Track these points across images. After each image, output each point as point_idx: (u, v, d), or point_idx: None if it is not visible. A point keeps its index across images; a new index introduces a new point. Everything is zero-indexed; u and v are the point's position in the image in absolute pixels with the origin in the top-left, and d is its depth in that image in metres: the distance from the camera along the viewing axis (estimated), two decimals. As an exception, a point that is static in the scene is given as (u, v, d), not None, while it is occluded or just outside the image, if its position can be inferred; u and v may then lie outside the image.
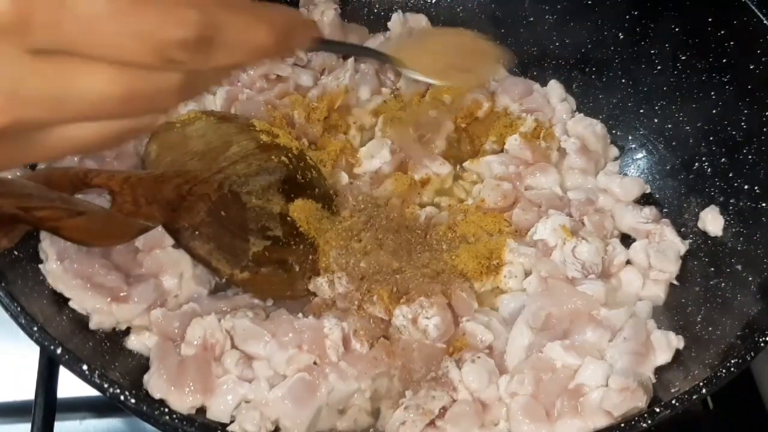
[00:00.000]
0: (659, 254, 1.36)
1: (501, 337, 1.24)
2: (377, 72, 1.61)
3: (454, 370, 1.18)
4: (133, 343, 1.19)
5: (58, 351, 0.96)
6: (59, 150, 0.61)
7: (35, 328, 0.97)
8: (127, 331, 1.20)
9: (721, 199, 1.39)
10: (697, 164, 1.45)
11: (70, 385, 1.24)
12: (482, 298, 1.32)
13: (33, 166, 1.27)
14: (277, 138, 1.40)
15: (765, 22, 1.32)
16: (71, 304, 1.16)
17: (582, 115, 1.59)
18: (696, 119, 1.45)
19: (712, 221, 1.38)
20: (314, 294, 1.28)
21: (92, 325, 1.17)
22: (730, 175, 1.39)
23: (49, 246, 1.17)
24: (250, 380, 1.14)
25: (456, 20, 1.72)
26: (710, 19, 1.39)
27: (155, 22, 0.55)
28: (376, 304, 1.23)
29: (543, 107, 1.59)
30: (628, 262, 1.39)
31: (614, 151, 1.57)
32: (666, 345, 1.24)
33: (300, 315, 1.22)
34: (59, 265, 1.15)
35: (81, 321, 1.17)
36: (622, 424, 1.01)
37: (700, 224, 1.41)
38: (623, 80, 1.57)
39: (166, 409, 0.98)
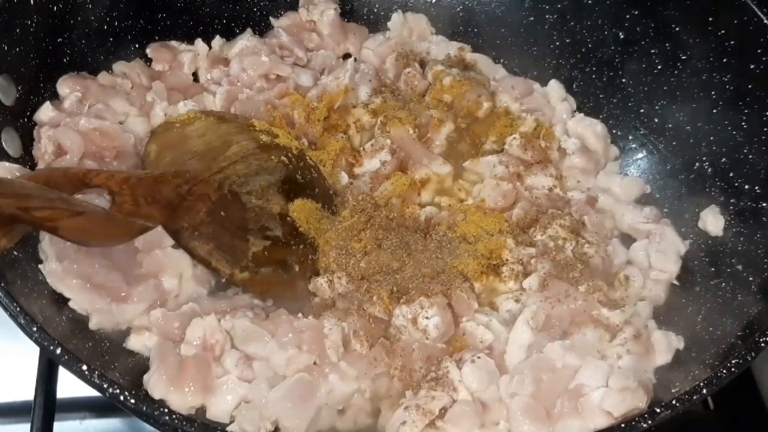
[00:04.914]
0: (659, 254, 1.36)
1: (501, 337, 1.23)
2: (377, 72, 1.61)
3: (454, 370, 1.18)
4: (133, 343, 1.19)
5: (58, 351, 0.96)
6: None
7: (35, 329, 0.97)
8: (127, 332, 1.20)
9: (722, 199, 1.39)
10: (697, 164, 1.45)
11: (69, 385, 1.24)
12: (482, 298, 1.31)
13: (33, 166, 1.27)
14: (277, 138, 1.40)
15: (765, 21, 1.32)
16: (71, 304, 1.16)
17: (582, 115, 1.59)
18: (696, 119, 1.45)
19: (712, 221, 1.38)
20: (314, 294, 1.28)
21: (92, 326, 1.17)
22: (731, 175, 1.39)
23: (49, 246, 1.16)
24: (250, 380, 1.14)
25: (456, 20, 1.72)
26: (710, 19, 1.39)
27: None
28: (376, 304, 1.23)
29: (543, 107, 1.59)
30: (629, 262, 1.39)
31: (614, 151, 1.57)
32: (666, 345, 1.24)
33: (300, 315, 1.22)
34: (59, 265, 1.15)
35: (81, 321, 1.17)
36: (623, 425, 1.01)
37: (700, 224, 1.41)
38: (623, 80, 1.57)
39: (166, 409, 0.97)
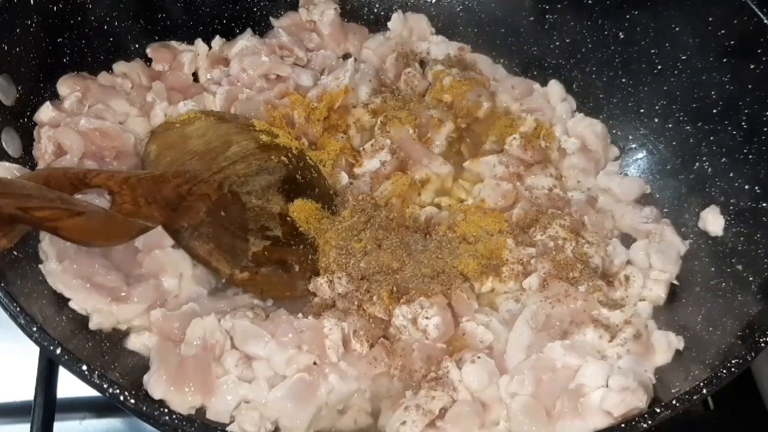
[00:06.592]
0: (660, 254, 1.36)
1: (501, 337, 1.24)
2: (377, 72, 1.61)
3: (454, 370, 1.18)
4: (133, 343, 1.19)
5: (58, 351, 0.96)
6: None
7: (35, 329, 0.97)
8: (127, 332, 1.20)
9: (722, 199, 1.39)
10: (697, 164, 1.45)
11: (69, 385, 1.24)
12: (482, 298, 1.31)
13: (33, 166, 1.27)
14: (277, 138, 1.40)
15: (765, 21, 1.32)
16: (71, 304, 1.16)
17: (582, 115, 1.59)
18: (696, 119, 1.45)
19: (712, 221, 1.38)
20: (314, 294, 1.28)
21: (92, 326, 1.17)
22: (731, 175, 1.39)
23: (49, 246, 1.17)
24: (250, 380, 1.14)
25: (456, 20, 1.72)
26: (710, 19, 1.39)
27: None
28: (376, 304, 1.23)
29: (543, 107, 1.59)
30: (629, 262, 1.39)
31: (614, 151, 1.57)
32: (666, 345, 1.24)
33: (300, 315, 1.22)
34: (59, 265, 1.15)
35: (81, 321, 1.17)
36: (623, 425, 1.01)
37: (700, 224, 1.41)
38: (623, 80, 1.57)
39: (166, 410, 0.98)
